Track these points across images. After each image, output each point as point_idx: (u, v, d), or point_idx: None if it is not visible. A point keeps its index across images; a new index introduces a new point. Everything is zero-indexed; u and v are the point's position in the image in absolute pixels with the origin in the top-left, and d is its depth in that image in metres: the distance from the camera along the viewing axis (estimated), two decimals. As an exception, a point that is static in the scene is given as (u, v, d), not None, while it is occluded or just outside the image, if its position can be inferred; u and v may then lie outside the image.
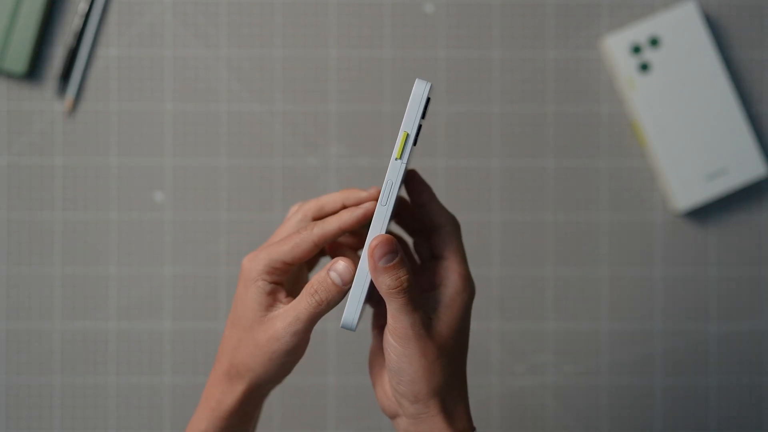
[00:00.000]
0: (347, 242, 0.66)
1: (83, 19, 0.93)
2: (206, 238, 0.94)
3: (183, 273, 0.94)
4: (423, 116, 0.55)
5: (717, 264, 0.95)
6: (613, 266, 0.95)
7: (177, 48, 0.94)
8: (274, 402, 0.94)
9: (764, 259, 0.95)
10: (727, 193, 0.94)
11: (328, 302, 0.57)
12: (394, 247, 0.55)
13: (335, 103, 0.94)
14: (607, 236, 0.95)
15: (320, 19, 0.94)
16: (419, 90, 0.55)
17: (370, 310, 0.65)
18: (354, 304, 0.56)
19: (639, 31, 0.93)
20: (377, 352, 0.62)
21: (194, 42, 0.94)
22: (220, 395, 0.60)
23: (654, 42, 0.93)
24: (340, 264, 0.57)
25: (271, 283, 0.58)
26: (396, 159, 0.55)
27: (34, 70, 0.94)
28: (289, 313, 0.57)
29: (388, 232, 0.56)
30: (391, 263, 0.55)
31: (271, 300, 0.58)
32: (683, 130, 0.93)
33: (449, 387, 0.57)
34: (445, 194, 0.94)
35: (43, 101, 0.94)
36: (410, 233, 0.64)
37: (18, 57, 0.92)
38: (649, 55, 0.93)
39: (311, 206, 0.62)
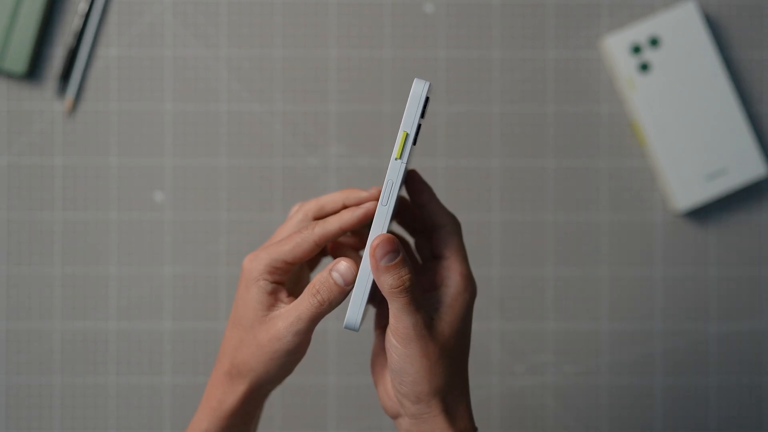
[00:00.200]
0: (349, 242, 0.66)
1: (83, 19, 0.93)
2: (206, 238, 0.94)
3: (183, 273, 0.94)
4: (422, 116, 0.55)
5: (717, 264, 0.95)
6: (613, 266, 0.95)
7: (177, 48, 0.94)
8: (274, 402, 0.94)
9: (764, 259, 0.95)
10: (727, 193, 0.94)
11: (330, 302, 0.57)
12: (395, 247, 0.55)
13: (335, 103, 0.94)
14: (607, 236, 0.95)
15: (320, 19, 0.94)
16: (418, 89, 0.55)
17: (372, 310, 0.65)
18: (356, 305, 0.56)
19: (639, 31, 0.93)
20: (379, 352, 0.62)
21: (194, 42, 0.94)
22: (222, 395, 0.60)
23: (654, 42, 0.93)
24: (342, 264, 0.57)
25: (272, 282, 0.58)
26: (396, 159, 0.55)
27: (34, 70, 0.94)
28: (291, 313, 0.57)
29: (389, 232, 0.56)
30: (393, 262, 0.55)
31: (273, 300, 0.58)
32: (683, 130, 0.93)
33: (451, 387, 0.57)
34: (445, 194, 0.94)
35: (43, 101, 0.94)
36: (411, 233, 0.64)
37: (18, 57, 0.92)
38: (649, 55, 0.93)
39: (312, 206, 0.62)
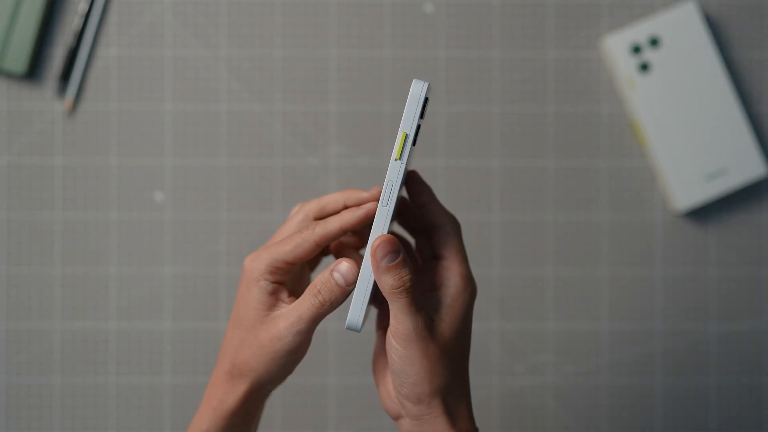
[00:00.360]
0: (350, 242, 0.66)
1: (83, 19, 0.93)
2: (206, 238, 0.94)
3: (183, 273, 0.94)
4: (421, 116, 0.55)
5: (717, 264, 0.95)
6: (613, 266, 0.95)
7: (177, 48, 0.94)
8: (274, 402, 0.94)
9: (764, 259, 0.95)
10: (727, 193, 0.94)
11: (331, 303, 0.57)
12: (396, 247, 0.55)
13: (335, 103, 0.94)
14: (607, 236, 0.95)
15: (320, 19, 0.94)
16: (417, 90, 0.55)
17: (374, 311, 0.65)
18: (358, 305, 0.56)
19: (639, 31, 0.93)
20: (381, 353, 0.62)
21: (194, 42, 0.94)
22: (223, 395, 0.60)
23: (654, 42, 0.93)
24: (344, 265, 0.57)
25: (273, 282, 0.58)
26: (396, 160, 0.55)
27: (34, 70, 0.94)
28: (292, 313, 0.57)
29: (390, 232, 0.57)
30: (394, 263, 0.55)
31: (274, 300, 0.58)
32: (683, 130, 0.93)
33: (451, 388, 0.57)
34: (445, 194, 0.94)
35: (43, 101, 0.94)
36: (411, 233, 0.64)
37: (18, 57, 0.92)
38: (649, 55, 0.93)
39: (312, 206, 0.62)
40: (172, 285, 0.94)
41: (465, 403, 0.58)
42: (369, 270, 0.56)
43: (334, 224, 0.58)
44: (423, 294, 0.59)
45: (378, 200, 0.58)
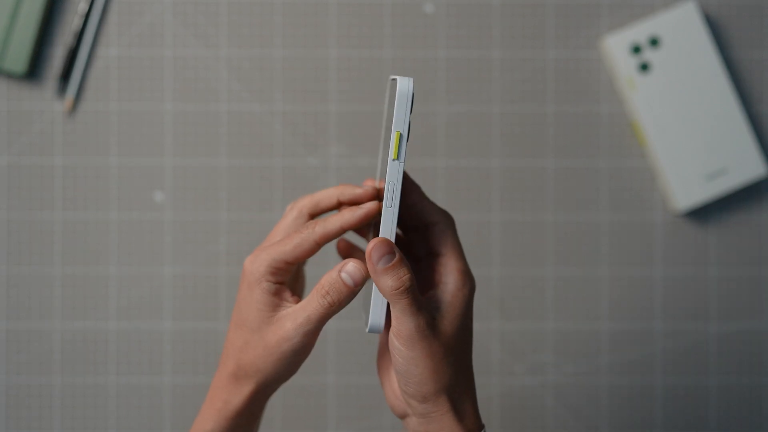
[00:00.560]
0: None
1: (83, 19, 0.93)
2: (206, 238, 0.94)
3: (183, 273, 0.94)
4: (410, 111, 0.56)
5: (717, 264, 0.95)
6: (613, 266, 0.95)
7: (177, 48, 0.94)
8: (274, 402, 0.94)
9: (764, 259, 0.95)
10: (727, 193, 0.94)
11: (339, 303, 0.57)
12: (391, 248, 0.55)
13: (335, 103, 0.94)
14: (607, 236, 0.95)
15: (320, 19, 0.94)
16: (404, 87, 0.55)
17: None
18: (378, 307, 0.57)
19: (639, 31, 0.93)
20: (384, 352, 0.62)
21: (194, 42, 0.94)
22: (227, 396, 0.60)
23: (654, 42, 0.93)
24: (351, 265, 0.57)
25: (275, 283, 0.58)
26: (393, 160, 0.55)
27: (34, 70, 0.94)
28: (300, 313, 0.57)
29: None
30: (390, 264, 0.55)
31: (278, 300, 0.58)
32: (683, 130, 0.93)
33: (457, 385, 0.57)
34: (445, 194, 0.94)
35: (43, 101, 0.94)
36: (404, 232, 0.64)
37: (18, 57, 0.92)
38: (649, 55, 0.93)
39: (306, 203, 0.62)
40: (172, 285, 0.94)
41: (470, 399, 0.58)
42: None
43: (334, 224, 0.58)
44: (422, 293, 0.59)
45: (373, 195, 0.59)
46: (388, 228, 0.55)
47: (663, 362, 0.94)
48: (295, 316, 0.57)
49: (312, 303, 0.57)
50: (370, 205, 0.59)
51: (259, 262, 0.58)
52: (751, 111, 0.95)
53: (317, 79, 0.94)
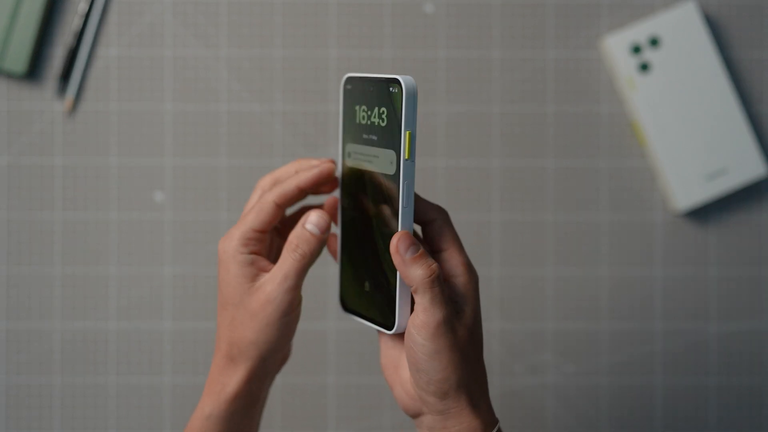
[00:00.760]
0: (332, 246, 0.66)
1: (83, 19, 0.93)
2: (206, 238, 0.94)
3: (183, 273, 0.94)
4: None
5: (717, 264, 0.95)
6: (613, 266, 0.95)
7: (177, 48, 0.94)
8: (274, 402, 0.94)
9: (764, 259, 0.95)
10: (727, 193, 0.94)
11: (310, 253, 0.59)
12: (414, 240, 0.56)
13: (335, 104, 0.94)
14: (607, 236, 0.95)
15: (320, 19, 0.94)
16: (411, 88, 0.56)
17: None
18: (403, 308, 0.58)
19: (639, 31, 0.93)
20: (390, 354, 0.61)
21: (194, 42, 0.94)
22: (224, 378, 0.60)
23: (654, 42, 0.93)
24: (313, 215, 0.59)
25: (249, 254, 0.59)
26: (406, 159, 0.56)
27: (34, 70, 0.94)
28: (277, 273, 0.58)
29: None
30: (418, 253, 0.55)
31: (254, 270, 0.59)
32: (683, 130, 0.93)
33: (474, 379, 0.57)
34: (445, 194, 0.94)
35: (43, 101, 0.94)
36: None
37: (18, 57, 0.92)
38: (649, 55, 0.93)
39: (266, 180, 0.63)
40: (172, 285, 0.94)
41: (485, 393, 0.59)
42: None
43: (290, 183, 0.60)
44: None
45: (330, 168, 0.61)
46: (407, 225, 0.57)
47: (663, 362, 0.94)
48: (273, 277, 0.58)
49: (286, 260, 0.58)
50: (324, 166, 0.61)
51: (229, 239, 0.59)
52: (751, 111, 0.95)
53: (317, 79, 0.94)
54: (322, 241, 0.59)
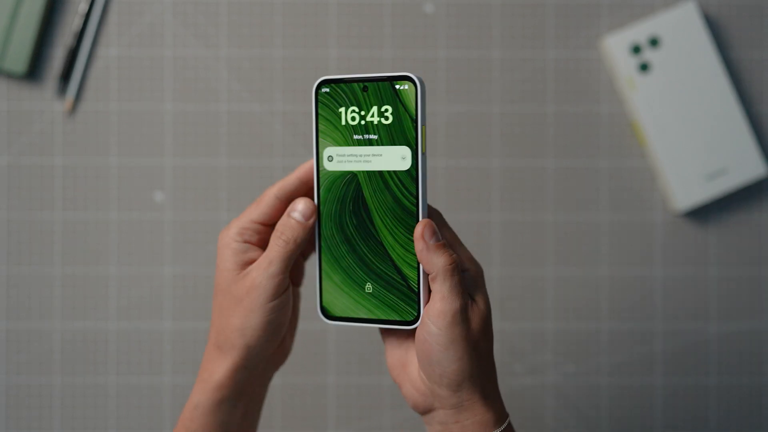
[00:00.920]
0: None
1: (83, 19, 0.93)
2: (206, 238, 0.94)
3: (183, 273, 0.94)
4: None
5: (717, 264, 0.95)
6: (613, 266, 0.95)
7: (177, 48, 0.94)
8: (275, 402, 0.94)
9: (764, 259, 0.95)
10: (727, 193, 0.94)
11: (295, 240, 0.59)
12: (436, 228, 0.57)
13: (335, 103, 0.94)
14: (607, 236, 0.95)
15: (320, 19, 0.94)
16: (422, 86, 0.58)
17: None
18: (426, 299, 0.59)
19: (639, 31, 0.93)
20: (396, 352, 0.62)
21: (194, 42, 0.94)
22: (212, 366, 0.61)
23: (654, 42, 0.93)
24: (300, 203, 0.60)
25: (242, 243, 0.60)
26: (423, 153, 0.58)
27: (34, 70, 0.94)
28: (262, 260, 0.59)
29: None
30: (441, 241, 0.57)
31: (246, 259, 0.60)
32: (683, 130, 0.93)
33: (486, 373, 0.58)
34: (445, 194, 0.94)
35: (43, 101, 0.94)
36: None
37: (18, 57, 0.92)
38: (649, 55, 0.93)
39: (273, 187, 0.65)
40: (172, 285, 0.94)
41: (496, 386, 0.59)
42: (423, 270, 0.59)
43: (291, 176, 0.61)
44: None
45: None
46: (426, 216, 0.59)
47: (663, 362, 0.94)
48: (259, 263, 0.59)
49: (271, 247, 0.59)
50: None
51: (227, 228, 0.61)
52: (751, 111, 0.95)
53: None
54: (307, 229, 0.60)
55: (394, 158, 0.59)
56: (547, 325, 0.94)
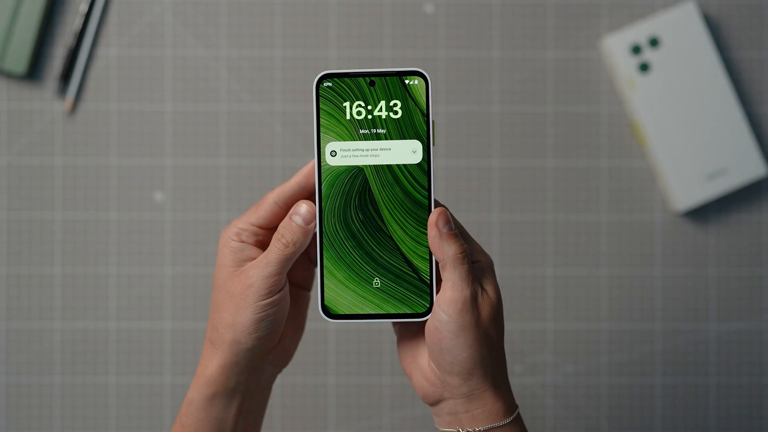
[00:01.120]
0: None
1: (83, 19, 0.93)
2: (206, 238, 0.94)
3: (183, 273, 0.94)
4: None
5: (717, 264, 0.95)
6: (613, 266, 0.95)
7: (177, 48, 0.94)
8: (274, 402, 0.94)
9: (764, 259, 0.95)
10: (727, 193, 0.94)
11: (294, 243, 0.59)
12: (449, 217, 0.59)
13: (335, 103, 0.94)
14: (607, 236, 0.95)
15: (320, 19, 0.94)
16: (430, 82, 0.60)
17: None
18: (438, 286, 0.60)
19: (639, 31, 0.93)
20: (407, 343, 0.62)
21: (194, 42, 0.94)
22: (205, 362, 0.61)
23: (654, 42, 0.93)
24: (302, 206, 0.60)
25: (241, 242, 0.61)
26: (433, 146, 0.60)
27: (34, 70, 0.94)
28: (260, 260, 0.60)
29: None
30: (454, 230, 0.58)
31: (243, 257, 0.61)
32: (683, 130, 0.93)
33: (497, 362, 0.58)
34: (445, 194, 0.94)
35: (43, 101, 0.94)
36: None
37: (18, 57, 0.92)
38: (649, 55, 0.93)
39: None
40: (172, 285, 0.94)
41: (506, 379, 0.59)
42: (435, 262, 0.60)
43: (289, 182, 0.62)
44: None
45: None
46: (436, 206, 0.60)
47: (663, 362, 0.94)
48: (257, 262, 0.60)
49: (271, 249, 0.60)
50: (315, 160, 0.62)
51: (227, 228, 0.62)
52: (751, 111, 0.95)
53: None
54: (306, 233, 0.60)
55: (405, 152, 0.60)
56: (547, 325, 0.94)
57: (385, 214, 0.60)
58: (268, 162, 0.94)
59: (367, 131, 0.60)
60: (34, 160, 0.94)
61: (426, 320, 0.60)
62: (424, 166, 0.60)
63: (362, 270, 0.61)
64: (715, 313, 0.95)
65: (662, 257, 0.95)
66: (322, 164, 0.61)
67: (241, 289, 0.59)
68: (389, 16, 0.94)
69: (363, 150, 0.60)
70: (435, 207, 0.59)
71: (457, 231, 0.59)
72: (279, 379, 0.94)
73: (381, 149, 0.60)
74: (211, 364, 0.61)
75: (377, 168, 0.60)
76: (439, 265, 0.58)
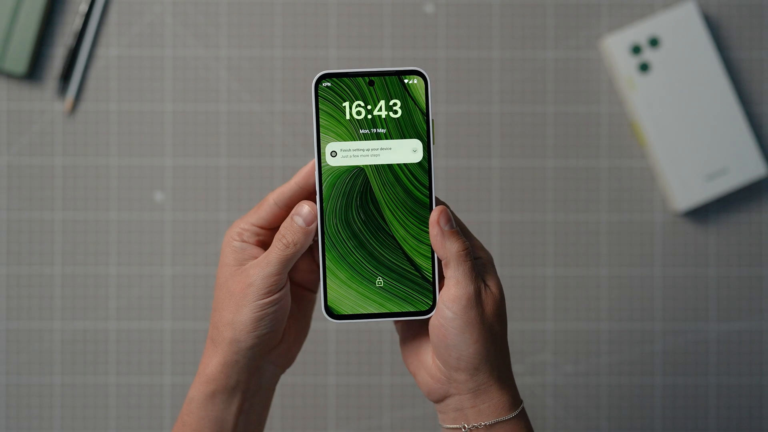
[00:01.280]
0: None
1: (83, 19, 0.93)
2: (206, 238, 0.94)
3: (183, 273, 0.94)
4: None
5: (717, 264, 0.95)
6: (613, 266, 0.95)
7: (177, 48, 0.94)
8: (274, 402, 0.94)
9: (764, 259, 0.95)
10: (727, 193, 0.94)
11: (295, 244, 0.60)
12: (451, 215, 0.59)
13: (335, 103, 0.94)
14: (607, 236, 0.95)
15: (320, 19, 0.94)
16: (429, 81, 0.60)
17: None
18: (440, 283, 0.61)
19: (639, 31, 0.93)
20: (410, 342, 0.62)
21: (194, 42, 0.94)
22: (206, 360, 0.62)
23: (654, 42, 0.93)
24: (304, 207, 0.60)
25: (242, 242, 0.61)
26: (433, 145, 0.61)
27: (34, 70, 0.94)
28: (261, 259, 0.60)
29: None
30: (455, 228, 0.59)
31: (244, 257, 0.61)
32: (683, 130, 0.93)
33: (501, 357, 0.59)
34: (445, 194, 0.94)
35: (43, 101, 0.94)
36: None
37: (18, 57, 0.92)
38: (648, 55, 0.93)
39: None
40: (172, 285, 0.94)
41: (511, 373, 0.60)
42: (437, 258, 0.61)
43: (289, 183, 0.62)
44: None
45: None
46: (437, 204, 0.61)
47: (663, 362, 0.94)
48: (257, 262, 0.60)
49: (272, 249, 0.60)
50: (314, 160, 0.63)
51: (230, 228, 0.63)
52: (751, 111, 0.95)
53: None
54: (307, 234, 0.60)
55: (405, 151, 0.60)
56: (547, 325, 0.95)
57: (387, 213, 0.60)
58: (268, 162, 0.94)
59: (367, 131, 0.60)
60: (34, 160, 0.94)
61: (430, 318, 0.60)
62: (425, 165, 0.60)
63: (365, 270, 0.61)
64: (715, 313, 0.95)
65: (662, 257, 0.95)
66: (322, 165, 0.61)
67: (241, 288, 0.60)
68: (389, 16, 0.94)
69: (363, 150, 0.60)
70: (436, 205, 0.60)
71: (458, 228, 0.59)
72: (279, 379, 0.94)
73: (381, 149, 0.60)
74: (212, 363, 0.61)
75: (378, 168, 0.60)
76: (442, 262, 0.59)
